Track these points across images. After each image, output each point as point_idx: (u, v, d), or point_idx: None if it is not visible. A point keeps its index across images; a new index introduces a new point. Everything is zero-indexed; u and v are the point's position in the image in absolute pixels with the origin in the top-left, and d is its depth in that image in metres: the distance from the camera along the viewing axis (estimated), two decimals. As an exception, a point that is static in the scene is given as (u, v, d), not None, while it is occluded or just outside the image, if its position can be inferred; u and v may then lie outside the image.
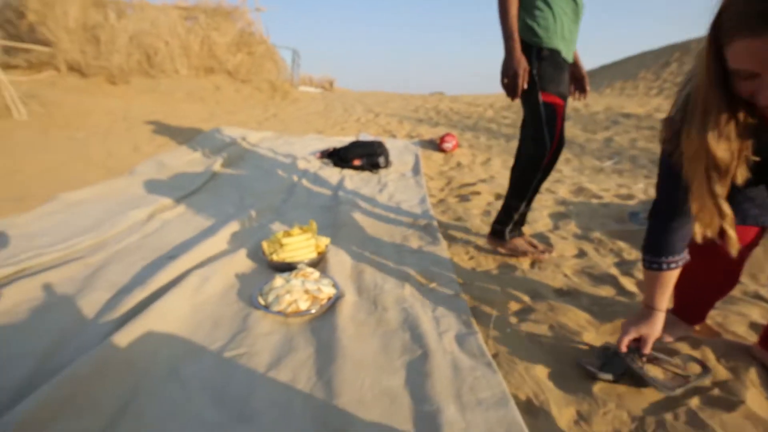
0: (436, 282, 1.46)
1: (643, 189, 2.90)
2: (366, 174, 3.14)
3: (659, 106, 5.83)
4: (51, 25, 6.43)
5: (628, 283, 1.49)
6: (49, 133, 3.83)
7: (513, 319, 1.25)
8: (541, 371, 1.04)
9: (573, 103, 6.06)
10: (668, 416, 0.88)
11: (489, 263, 1.68)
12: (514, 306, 1.34)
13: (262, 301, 1.23)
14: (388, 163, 3.28)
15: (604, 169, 3.69)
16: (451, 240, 1.91)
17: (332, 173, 3.09)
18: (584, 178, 3.34)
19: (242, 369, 0.96)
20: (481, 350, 1.05)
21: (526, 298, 1.38)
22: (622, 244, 1.87)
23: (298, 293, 1.20)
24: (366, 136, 4.29)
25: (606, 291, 1.45)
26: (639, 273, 1.57)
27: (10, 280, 1.31)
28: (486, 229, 2.04)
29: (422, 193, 2.65)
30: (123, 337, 0.97)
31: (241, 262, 1.54)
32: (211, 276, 1.37)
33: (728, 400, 0.91)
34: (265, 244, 1.56)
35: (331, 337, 1.07)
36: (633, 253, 1.77)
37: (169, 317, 1.12)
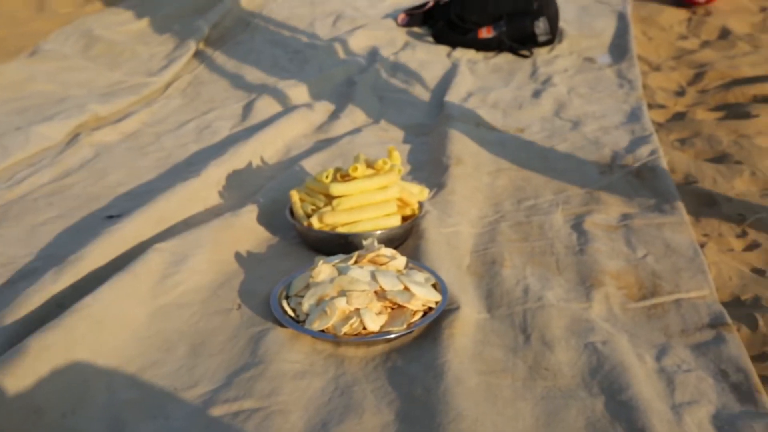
0: (664, 294, 1.38)
1: None
2: (505, 58, 3.06)
3: None
4: None
5: None
6: None
7: None
8: None
9: None
10: None
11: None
12: None
13: (290, 310, 1.26)
14: (554, 35, 3.16)
15: None
16: (704, 204, 1.79)
17: (432, 56, 3.07)
18: None
19: (250, 441, 0.99)
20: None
21: None
22: None
23: (364, 297, 1.21)
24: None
25: None
26: None
27: None
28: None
29: (633, 100, 2.53)
30: (23, 360, 1.04)
31: (248, 229, 1.61)
32: (191, 254, 1.44)
33: None
34: (295, 196, 1.60)
35: (432, 392, 1.06)
36: None
37: (107, 327, 1.19)
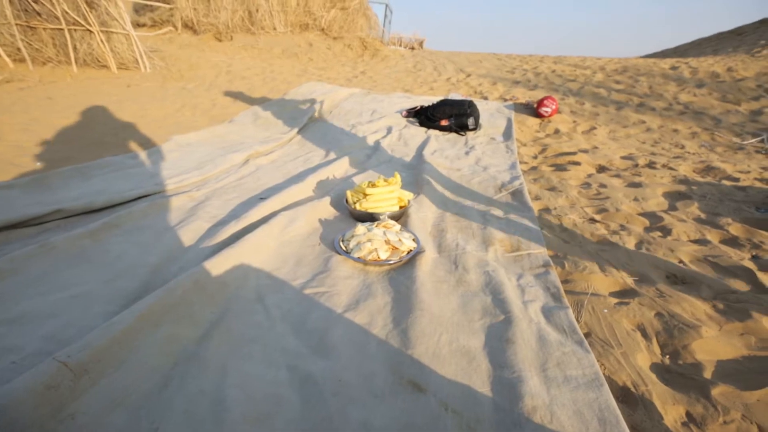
0: (522, 250, 1.36)
1: (800, 173, 2.34)
2: (452, 135, 3.01)
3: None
4: (171, -16, 7.07)
5: (770, 281, 1.23)
6: (166, 84, 4.32)
7: (611, 300, 1.12)
8: (642, 360, 0.92)
9: (711, 67, 5.05)
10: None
11: (586, 238, 1.51)
12: (613, 286, 1.20)
13: (343, 246, 1.26)
14: (477, 126, 3.10)
15: (744, 148, 3.06)
16: (543, 210, 1.76)
17: (418, 132, 3.03)
18: (715, 156, 2.81)
19: (322, 306, 1.00)
20: (571, 326, 0.96)
21: (629, 280, 1.22)
22: (764, 234, 1.54)
23: (379, 242, 1.21)
24: (456, 96, 4.09)
25: (736, 285, 1.21)
26: (786, 270, 1.28)
27: (135, 203, 1.52)
28: (584, 202, 1.84)
29: (512, 159, 2.48)
30: (219, 261, 1.07)
31: (326, 208, 1.60)
32: (297, 218, 1.44)
33: None
34: (349, 193, 1.59)
35: (409, 289, 1.07)
36: (779, 247, 1.45)
37: (258, 250, 1.20)
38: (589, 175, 2.27)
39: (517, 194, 1.88)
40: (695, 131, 3.42)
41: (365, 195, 1.53)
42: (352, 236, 1.28)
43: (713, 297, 1.15)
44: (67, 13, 4.20)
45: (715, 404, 0.78)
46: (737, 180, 2.22)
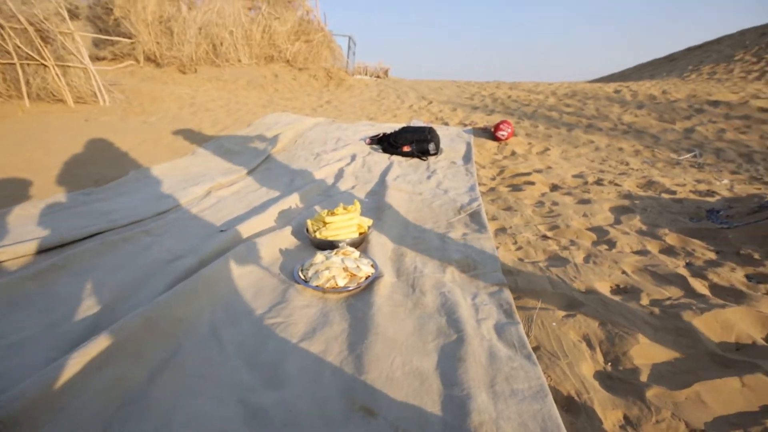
0: (478, 270, 1.41)
1: (728, 185, 2.57)
2: (415, 160, 3.10)
3: (758, 91, 5.11)
4: (133, 19, 7.06)
5: (700, 286, 1.34)
6: (127, 118, 4.24)
7: (560, 313, 1.18)
8: (586, 369, 0.97)
9: (648, 90, 5.51)
10: (736, 432, 0.78)
11: (538, 255, 1.59)
12: (562, 300, 1.26)
13: (302, 276, 1.27)
14: (438, 150, 3.22)
15: (681, 163, 3.33)
16: (500, 230, 1.84)
17: (381, 159, 3.10)
18: (655, 172, 3.04)
19: (277, 337, 1.00)
20: (521, 341, 1.01)
21: (576, 293, 1.29)
22: (696, 243, 1.68)
23: (337, 270, 1.22)
24: (417, 123, 4.24)
25: (671, 292, 1.31)
26: (714, 275, 1.40)
27: (86, 242, 1.48)
28: (537, 220, 1.93)
29: (472, 181, 2.58)
30: (172, 297, 1.06)
31: (286, 238, 1.60)
32: (257, 249, 1.44)
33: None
34: (309, 222, 1.61)
35: (366, 315, 1.08)
36: (708, 254, 1.58)
37: (214, 283, 1.19)
38: (543, 194, 2.40)
39: (475, 215, 1.96)
40: (638, 149, 3.70)
41: (325, 223, 1.55)
42: (311, 265, 1.29)
43: (650, 304, 1.23)
44: (19, 47, 4.10)
45: (649, 405, 0.84)
46: (674, 193, 2.41)
